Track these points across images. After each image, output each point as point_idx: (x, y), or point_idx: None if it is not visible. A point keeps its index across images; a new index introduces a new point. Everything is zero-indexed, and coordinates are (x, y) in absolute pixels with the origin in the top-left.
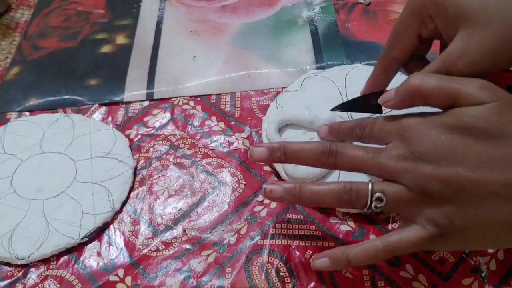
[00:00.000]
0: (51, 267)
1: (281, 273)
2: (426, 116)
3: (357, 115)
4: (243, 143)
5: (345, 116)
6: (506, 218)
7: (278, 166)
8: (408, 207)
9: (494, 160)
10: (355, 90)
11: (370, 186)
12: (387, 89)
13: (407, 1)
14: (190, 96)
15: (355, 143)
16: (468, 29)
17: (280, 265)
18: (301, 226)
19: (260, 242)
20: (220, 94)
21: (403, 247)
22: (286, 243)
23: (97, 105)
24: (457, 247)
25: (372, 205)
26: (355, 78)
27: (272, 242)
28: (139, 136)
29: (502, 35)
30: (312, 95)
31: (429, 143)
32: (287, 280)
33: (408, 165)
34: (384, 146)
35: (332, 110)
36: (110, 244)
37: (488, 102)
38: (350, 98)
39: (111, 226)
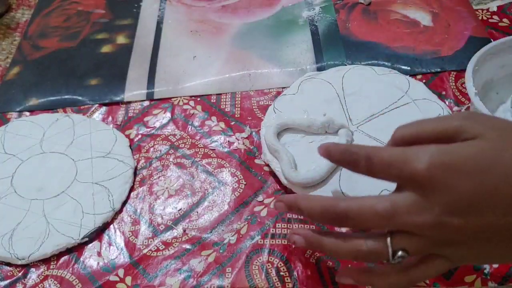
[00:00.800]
0: (51, 267)
1: (281, 273)
2: (438, 154)
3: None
4: (243, 143)
5: (342, 120)
6: None
7: (276, 166)
8: (432, 252)
9: None
10: (352, 91)
11: (390, 248)
12: None
13: None
14: (190, 96)
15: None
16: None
17: (280, 264)
18: (301, 226)
19: (260, 241)
20: (220, 94)
21: (425, 279)
22: (286, 242)
23: (97, 105)
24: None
25: (395, 261)
26: (351, 79)
27: (272, 241)
28: (139, 136)
29: None
30: (310, 98)
31: (454, 192)
32: (287, 279)
33: (432, 220)
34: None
35: None
36: (110, 244)
37: (486, 133)
38: (347, 99)
39: (111, 226)
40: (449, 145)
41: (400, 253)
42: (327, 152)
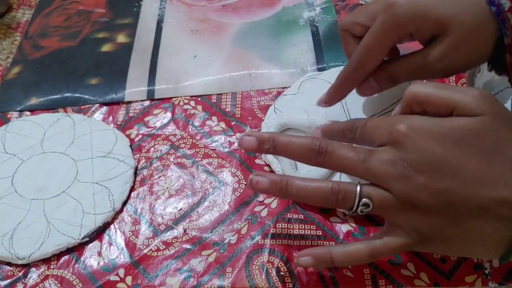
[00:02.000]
0: (51, 266)
1: (282, 273)
2: (421, 121)
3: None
4: None
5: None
6: (491, 234)
7: (277, 167)
8: (393, 213)
9: (487, 177)
10: (353, 91)
11: (358, 190)
12: None
13: (378, 21)
14: (191, 96)
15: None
16: (447, 37)
17: (281, 264)
18: (301, 226)
19: (261, 241)
20: (221, 94)
21: (386, 252)
22: (286, 242)
23: (98, 104)
24: (438, 252)
25: (358, 210)
26: None
27: (273, 241)
28: (140, 136)
29: (476, 41)
30: (310, 98)
31: (423, 153)
32: (287, 279)
33: (399, 173)
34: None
35: None
36: (110, 244)
37: (486, 115)
38: (348, 99)
39: (112, 226)
40: (437, 118)
41: (364, 199)
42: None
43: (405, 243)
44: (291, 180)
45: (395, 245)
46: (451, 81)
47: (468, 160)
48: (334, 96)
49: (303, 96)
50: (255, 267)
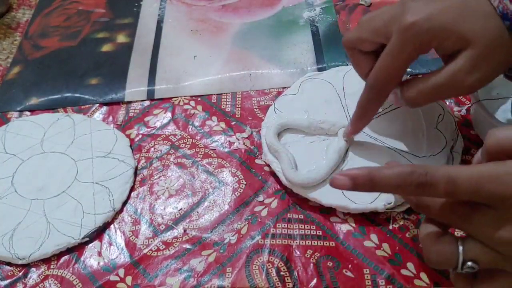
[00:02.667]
0: (51, 266)
1: (282, 273)
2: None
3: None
4: (243, 143)
5: (342, 120)
6: None
7: (276, 166)
8: (502, 267)
9: None
10: (353, 91)
11: (461, 254)
12: None
13: (396, 41)
14: (191, 96)
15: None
16: (473, 50)
17: (281, 264)
18: (301, 226)
19: (261, 241)
20: (221, 94)
21: None
22: (286, 242)
23: (98, 104)
24: None
25: (463, 271)
26: (352, 79)
27: (273, 241)
28: (140, 136)
29: (499, 51)
30: (310, 98)
31: None
32: (287, 279)
33: (507, 237)
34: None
35: None
36: (110, 244)
37: None
38: (348, 99)
39: (112, 226)
40: None
41: (469, 263)
42: (356, 180)
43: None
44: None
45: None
46: None
47: None
48: (358, 124)
49: (303, 96)
50: (255, 267)
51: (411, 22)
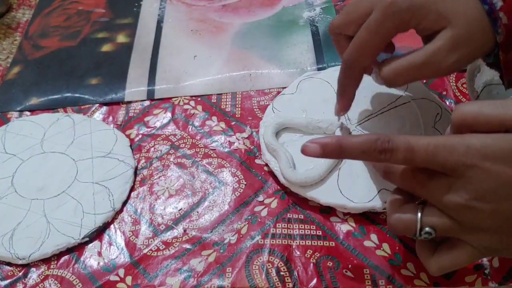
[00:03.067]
0: (51, 266)
1: (282, 273)
2: (483, 143)
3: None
4: (243, 143)
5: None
6: None
7: (274, 165)
8: (459, 235)
9: None
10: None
11: (419, 220)
12: None
13: (375, 17)
14: (191, 96)
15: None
16: (453, 30)
17: (281, 264)
18: (301, 226)
19: (261, 241)
20: (221, 94)
21: (455, 267)
22: (286, 242)
23: (97, 104)
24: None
25: (422, 237)
26: None
27: (273, 241)
28: (140, 136)
29: (479, 33)
30: (308, 97)
31: (491, 183)
32: (287, 279)
33: (466, 204)
34: None
35: None
36: (110, 244)
37: None
38: None
39: (112, 226)
40: (495, 135)
41: (427, 229)
42: (326, 147)
43: (473, 257)
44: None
45: (464, 260)
46: (451, 81)
47: None
48: (343, 101)
49: (301, 96)
50: (255, 267)
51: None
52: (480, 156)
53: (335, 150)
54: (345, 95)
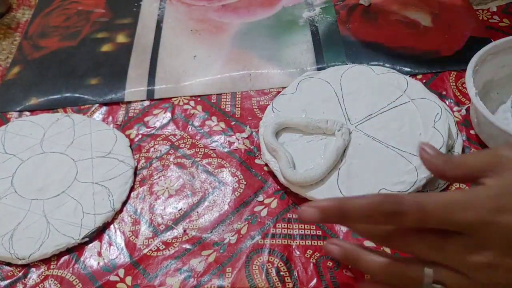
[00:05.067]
0: (51, 267)
1: (281, 273)
2: (494, 199)
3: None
4: (243, 143)
5: (340, 119)
6: None
7: (274, 165)
8: None
9: None
10: (351, 90)
11: (428, 276)
12: None
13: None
14: (191, 96)
15: None
16: None
17: (281, 264)
18: (301, 226)
19: (261, 241)
20: (220, 94)
21: None
22: (286, 242)
23: (97, 105)
24: None
25: None
26: (350, 78)
27: (273, 241)
28: (140, 136)
29: None
30: (308, 97)
31: (501, 236)
32: (287, 279)
33: (490, 263)
34: None
35: None
36: (110, 244)
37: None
38: (346, 98)
39: (112, 226)
40: (494, 186)
41: (436, 285)
42: (325, 212)
43: None
44: (362, 253)
45: None
46: (450, 81)
47: None
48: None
49: (301, 96)
50: (255, 267)
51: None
52: (494, 211)
53: (336, 215)
54: None
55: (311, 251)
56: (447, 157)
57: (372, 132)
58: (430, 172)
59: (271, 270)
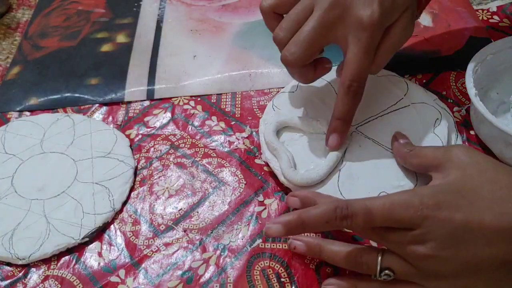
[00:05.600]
0: (51, 267)
1: (282, 279)
2: (432, 197)
3: None
4: (243, 143)
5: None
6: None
7: (275, 165)
8: (416, 280)
9: (502, 235)
10: None
11: (379, 262)
12: None
13: (365, 37)
14: (191, 96)
15: None
16: (408, 11)
17: (281, 270)
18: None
19: (261, 245)
20: (220, 94)
21: None
22: (287, 247)
23: (97, 105)
24: None
25: (381, 278)
26: None
27: (273, 245)
28: (140, 136)
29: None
30: (309, 96)
31: (447, 230)
32: (287, 286)
33: (427, 253)
34: None
35: None
36: (110, 244)
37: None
38: None
39: (112, 226)
40: (436, 185)
41: (386, 271)
42: (288, 225)
43: None
44: (323, 245)
45: None
46: (451, 81)
47: (483, 218)
48: (340, 141)
49: (301, 94)
50: (256, 272)
51: (375, 17)
52: (434, 206)
53: (299, 227)
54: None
55: (310, 258)
56: (412, 147)
57: (372, 135)
58: (395, 156)
59: (272, 276)
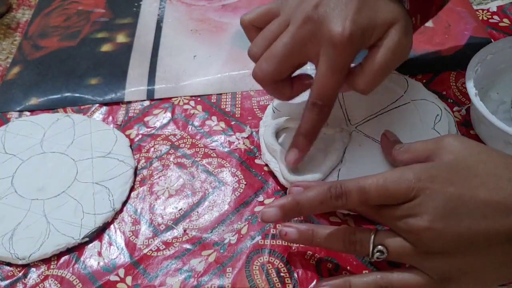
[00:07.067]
0: (51, 267)
1: (282, 274)
2: (426, 170)
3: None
4: (243, 143)
5: (340, 120)
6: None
7: (275, 166)
8: (411, 259)
9: (500, 204)
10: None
11: (372, 239)
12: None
13: (333, 55)
14: (191, 96)
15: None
16: (400, 23)
17: (281, 265)
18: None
19: (261, 242)
20: (220, 94)
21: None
22: (286, 243)
23: (97, 105)
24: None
25: (374, 256)
26: None
27: (273, 242)
28: (140, 136)
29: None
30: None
31: (442, 202)
32: (287, 280)
33: (423, 226)
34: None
35: None
36: (110, 244)
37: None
38: (346, 98)
39: (112, 226)
40: (430, 163)
41: (379, 247)
42: (284, 208)
43: (423, 283)
44: (316, 230)
45: (413, 284)
46: (451, 81)
47: (476, 193)
48: (299, 157)
49: (301, 96)
50: (255, 267)
51: (346, 34)
52: (428, 179)
53: (294, 209)
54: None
55: (311, 253)
56: (401, 144)
57: (372, 133)
58: (385, 155)
59: (272, 271)
